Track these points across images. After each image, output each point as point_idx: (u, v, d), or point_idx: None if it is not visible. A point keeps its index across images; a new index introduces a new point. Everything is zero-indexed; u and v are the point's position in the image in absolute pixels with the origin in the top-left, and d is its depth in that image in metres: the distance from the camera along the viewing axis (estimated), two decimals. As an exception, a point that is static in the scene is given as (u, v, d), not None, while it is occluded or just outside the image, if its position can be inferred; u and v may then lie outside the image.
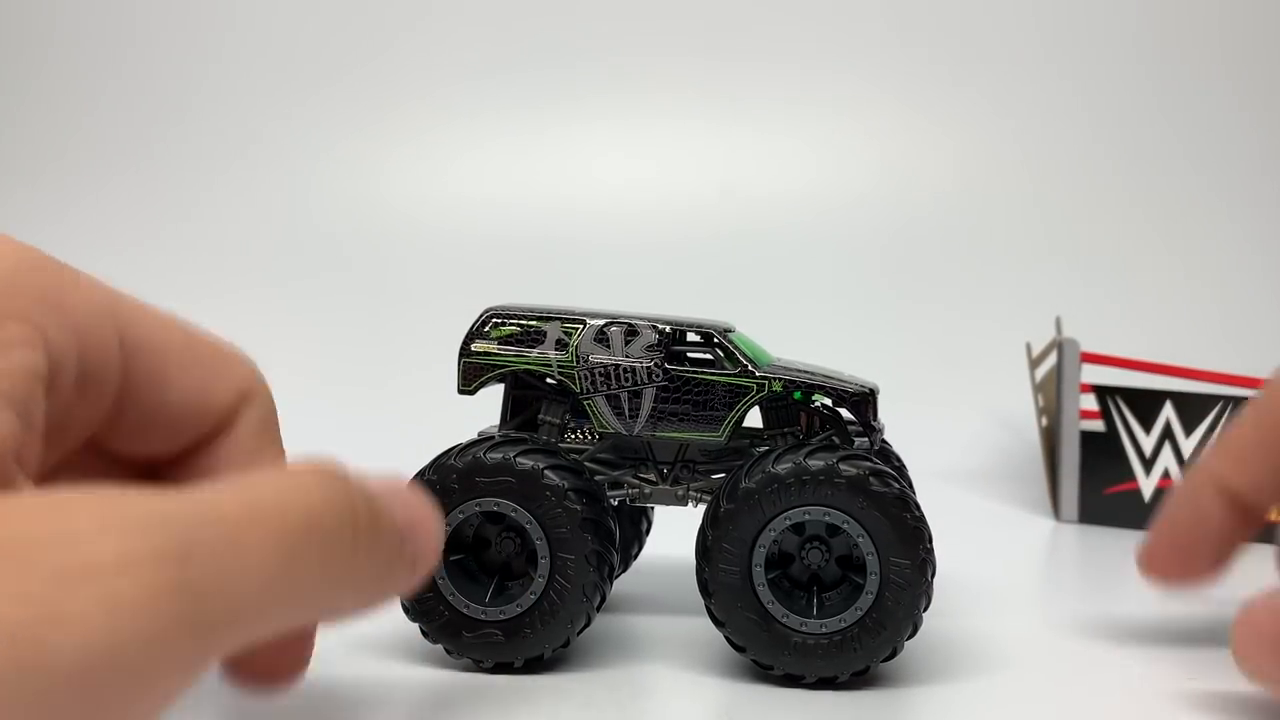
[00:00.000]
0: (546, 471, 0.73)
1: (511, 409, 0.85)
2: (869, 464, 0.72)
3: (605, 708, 0.69)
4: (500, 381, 0.83)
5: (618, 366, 0.79)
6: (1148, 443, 1.27)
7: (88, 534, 0.34)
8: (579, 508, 0.73)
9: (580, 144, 1.93)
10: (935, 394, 1.59)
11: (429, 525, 0.51)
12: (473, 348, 0.81)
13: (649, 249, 1.84)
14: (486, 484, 0.73)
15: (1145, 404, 1.27)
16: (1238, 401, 1.23)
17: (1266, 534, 1.19)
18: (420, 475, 0.75)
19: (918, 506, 0.72)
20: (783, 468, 0.72)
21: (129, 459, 0.60)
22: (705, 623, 0.75)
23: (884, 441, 0.91)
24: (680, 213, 1.88)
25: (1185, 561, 0.74)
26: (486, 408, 0.88)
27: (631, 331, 0.79)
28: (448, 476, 0.74)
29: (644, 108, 1.94)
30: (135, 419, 0.55)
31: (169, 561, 0.35)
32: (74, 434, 0.53)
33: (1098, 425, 1.28)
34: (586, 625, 0.75)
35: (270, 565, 0.39)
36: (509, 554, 0.76)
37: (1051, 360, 1.33)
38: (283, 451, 0.67)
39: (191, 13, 1.99)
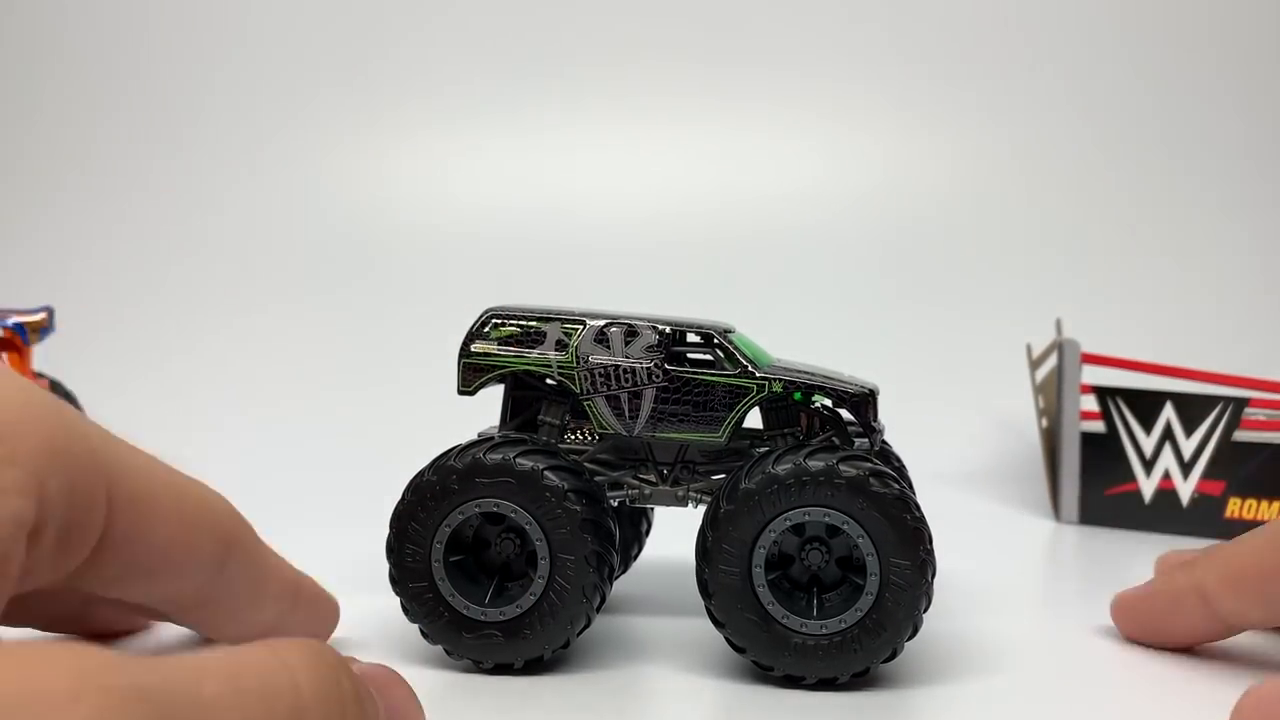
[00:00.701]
0: (546, 472, 0.73)
1: (511, 410, 0.85)
2: (869, 465, 0.72)
3: (605, 709, 0.69)
4: (500, 382, 0.83)
5: (618, 367, 0.79)
6: (1148, 444, 1.27)
7: (60, 699, 0.31)
8: (579, 509, 0.73)
9: (580, 145, 1.93)
10: (935, 394, 1.59)
11: (411, 714, 0.52)
12: (472, 348, 0.81)
13: (649, 250, 1.84)
14: (486, 485, 0.73)
15: (1146, 405, 1.27)
16: (1238, 402, 1.23)
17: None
18: (420, 476, 0.75)
19: (918, 507, 0.72)
20: (783, 469, 0.72)
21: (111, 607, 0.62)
22: (705, 624, 0.75)
23: (884, 442, 0.91)
24: (680, 213, 1.88)
25: (1150, 634, 0.84)
26: (486, 408, 0.88)
27: (631, 332, 0.79)
28: (447, 477, 0.74)
29: (645, 109, 1.94)
30: (114, 570, 0.54)
31: None
32: (42, 579, 0.51)
33: (1098, 426, 1.28)
34: (586, 626, 0.75)
35: None
36: (509, 555, 0.76)
37: (1052, 361, 1.32)
38: (269, 579, 0.68)
39: (194, 17, 1.99)
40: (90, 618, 0.73)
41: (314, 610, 0.73)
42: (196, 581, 0.60)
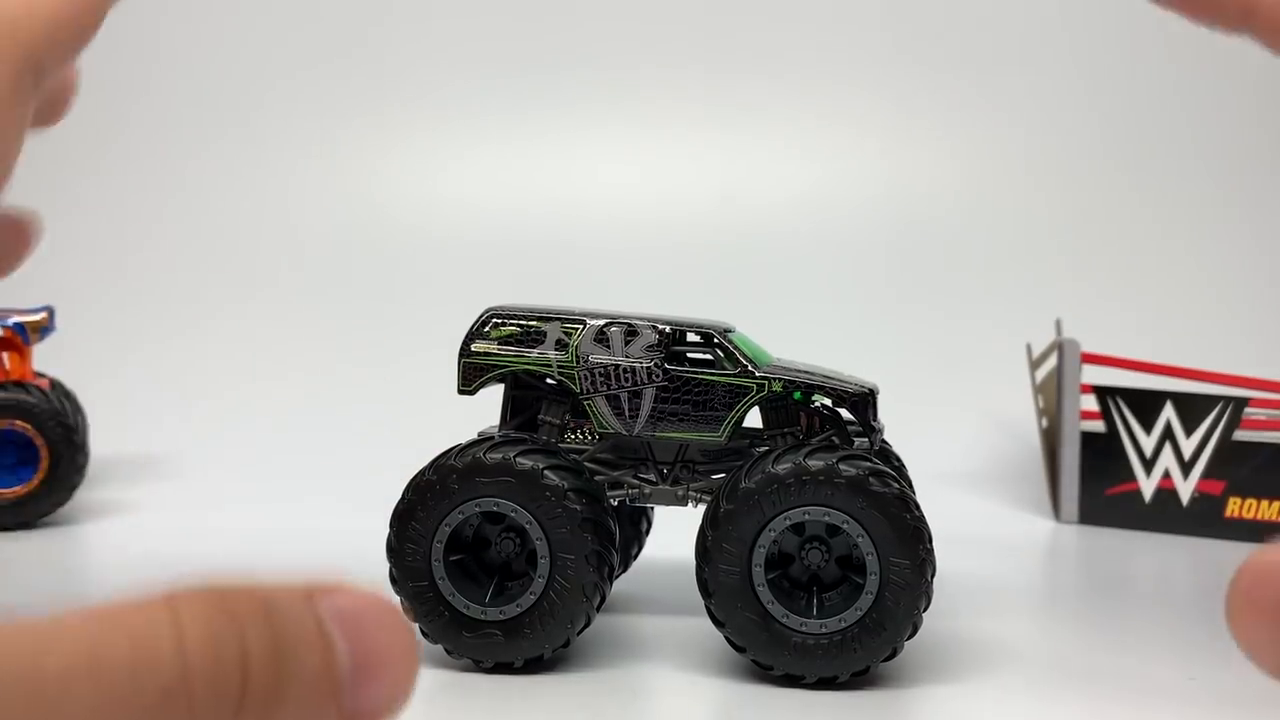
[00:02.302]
0: (546, 471, 0.73)
1: (511, 409, 0.85)
2: (869, 464, 0.72)
3: (605, 708, 0.69)
4: (500, 382, 0.83)
5: (618, 367, 0.79)
6: (1148, 443, 1.26)
7: None
8: (579, 508, 0.73)
9: (581, 146, 1.93)
10: (935, 395, 1.59)
11: (395, 663, 0.35)
12: (473, 348, 0.81)
13: (649, 250, 1.84)
14: (486, 484, 0.73)
15: (1146, 405, 1.27)
16: (1238, 402, 1.23)
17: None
18: (420, 475, 0.75)
19: (917, 506, 0.72)
20: (782, 468, 0.72)
21: None
22: (705, 623, 0.75)
23: (884, 442, 0.91)
24: (680, 214, 1.88)
25: None
26: (486, 408, 0.88)
27: (631, 332, 0.79)
28: (448, 477, 0.74)
29: (645, 111, 1.94)
30: None
31: None
32: None
33: (1098, 426, 1.28)
34: (586, 625, 0.75)
35: None
36: (509, 554, 0.76)
37: (1052, 361, 1.32)
38: None
39: (189, 16, 1.99)
40: None
41: None
42: None
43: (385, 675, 0.31)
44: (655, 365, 0.79)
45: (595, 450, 0.83)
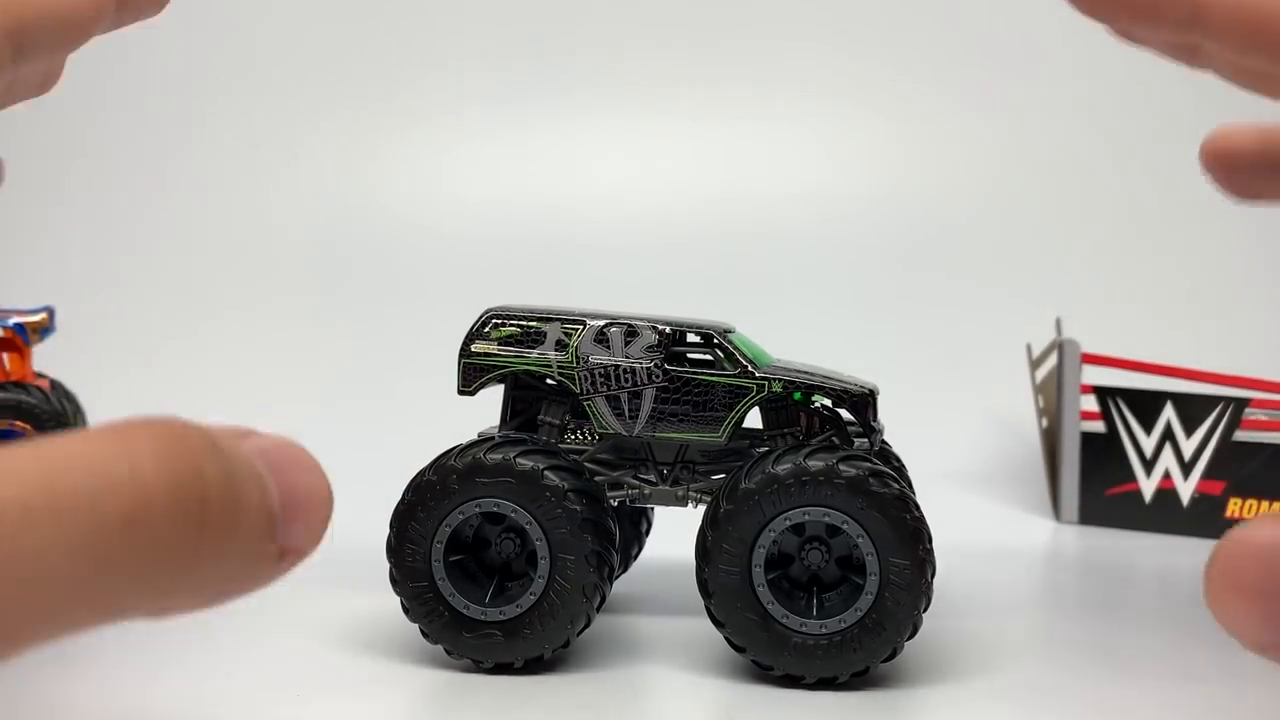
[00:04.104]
0: (546, 472, 0.73)
1: (511, 410, 0.85)
2: (868, 464, 0.72)
3: (605, 708, 0.69)
4: (500, 382, 0.83)
5: (618, 367, 0.79)
6: (1148, 444, 1.26)
7: None
8: (579, 508, 0.73)
9: (580, 144, 1.93)
10: (935, 395, 1.59)
11: (316, 503, 0.35)
12: (473, 349, 0.81)
13: (649, 249, 1.84)
14: (487, 484, 0.73)
15: (1146, 405, 1.27)
16: (1238, 402, 1.23)
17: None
18: (420, 476, 0.75)
19: (917, 507, 0.72)
20: (782, 468, 0.72)
21: None
22: (705, 623, 0.75)
23: (884, 442, 0.91)
24: (680, 213, 1.88)
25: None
26: (487, 408, 0.88)
27: (631, 332, 0.79)
28: (448, 477, 0.74)
29: (645, 108, 1.94)
30: None
31: None
32: None
33: (1098, 426, 1.28)
34: (586, 626, 0.75)
35: (66, 571, 0.27)
36: (509, 554, 0.76)
37: (1052, 361, 1.32)
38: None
39: (191, 18, 1.99)
40: None
41: None
42: None
43: (307, 514, 0.33)
44: (655, 366, 0.79)
45: (595, 451, 0.83)
